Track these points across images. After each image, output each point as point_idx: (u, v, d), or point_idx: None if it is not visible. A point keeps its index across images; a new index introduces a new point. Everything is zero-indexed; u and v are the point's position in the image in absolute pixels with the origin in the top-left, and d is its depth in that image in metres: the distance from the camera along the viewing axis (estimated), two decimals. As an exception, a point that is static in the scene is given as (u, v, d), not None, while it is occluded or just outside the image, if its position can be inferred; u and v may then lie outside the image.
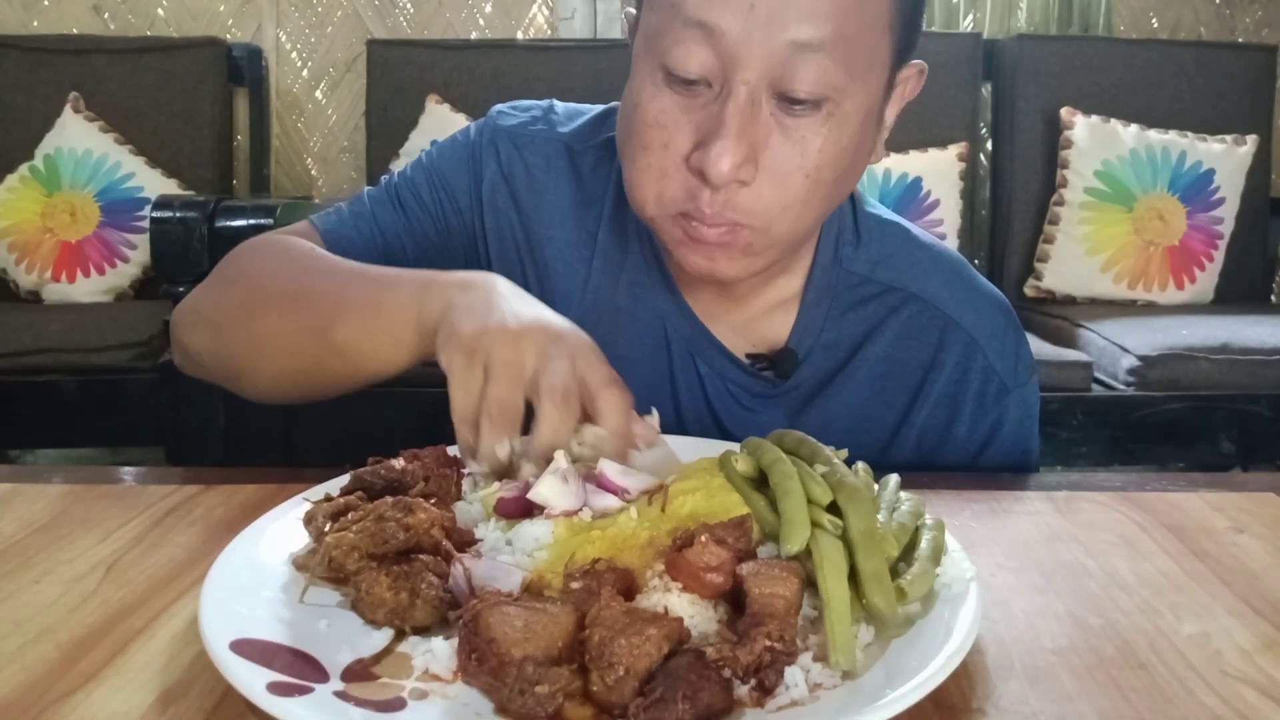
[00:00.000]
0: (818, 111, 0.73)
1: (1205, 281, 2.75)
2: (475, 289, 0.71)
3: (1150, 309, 2.68)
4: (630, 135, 0.79)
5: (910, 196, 2.69)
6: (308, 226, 0.95)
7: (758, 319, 0.92)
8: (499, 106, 0.99)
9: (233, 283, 0.87)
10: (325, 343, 0.77)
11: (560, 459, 0.66)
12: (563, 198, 0.94)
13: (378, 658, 0.52)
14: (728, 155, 0.71)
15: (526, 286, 0.94)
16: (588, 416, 0.66)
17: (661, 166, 0.76)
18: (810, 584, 0.55)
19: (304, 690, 0.48)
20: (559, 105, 0.99)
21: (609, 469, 0.69)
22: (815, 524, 0.57)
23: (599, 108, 0.98)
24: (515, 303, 0.70)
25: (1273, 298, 3.04)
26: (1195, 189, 2.74)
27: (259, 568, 0.59)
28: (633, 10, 0.83)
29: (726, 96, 0.72)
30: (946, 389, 0.91)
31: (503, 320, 0.67)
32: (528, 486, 0.65)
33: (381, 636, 0.54)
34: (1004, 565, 0.68)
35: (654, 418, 0.70)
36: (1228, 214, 2.76)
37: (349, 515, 0.61)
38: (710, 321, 0.91)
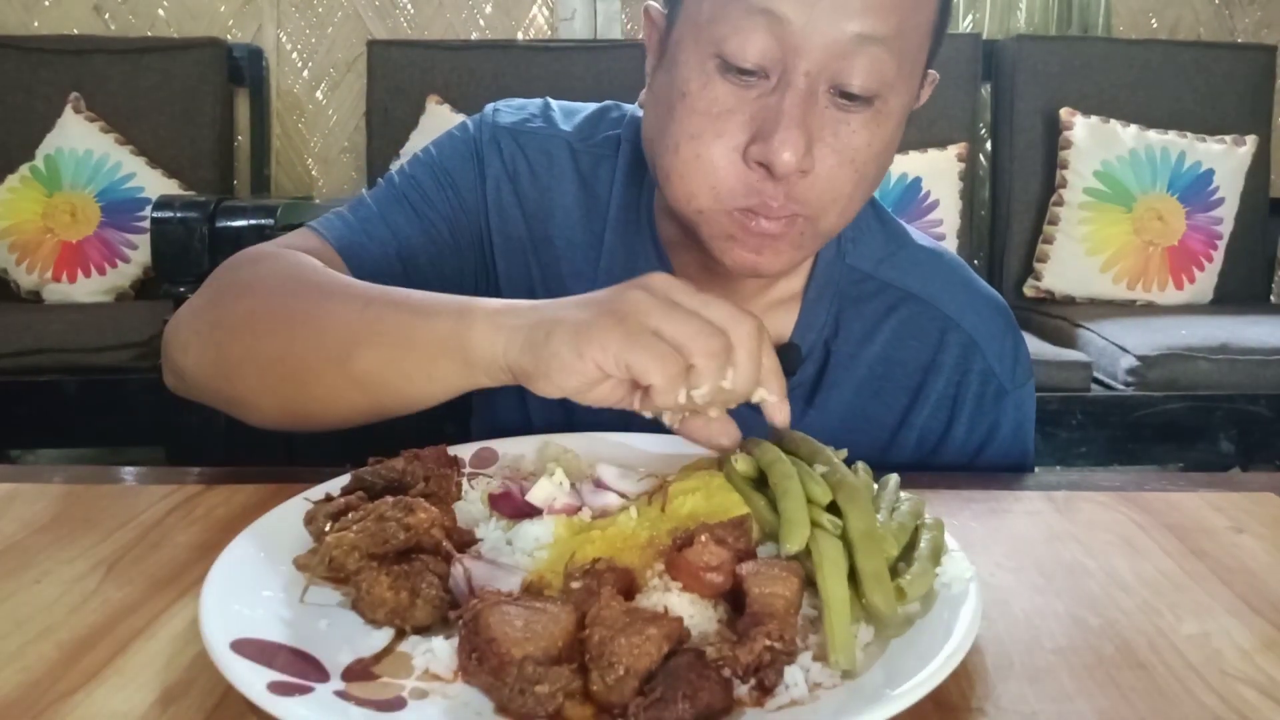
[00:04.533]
0: (869, 107, 0.73)
1: (1205, 281, 2.75)
2: (523, 309, 0.65)
3: (1150, 309, 2.69)
4: (673, 125, 0.76)
5: (910, 196, 2.69)
6: (308, 234, 0.88)
7: (760, 316, 0.91)
8: (493, 105, 0.96)
9: (234, 296, 0.79)
10: (343, 373, 0.69)
11: (560, 473, 0.66)
12: (567, 196, 0.92)
13: (378, 657, 0.52)
14: (790, 146, 0.71)
15: (533, 289, 0.92)
16: None
17: (712, 158, 0.74)
18: (810, 584, 0.55)
19: (304, 690, 0.48)
20: (555, 103, 0.97)
21: (607, 472, 0.69)
22: (815, 524, 0.57)
23: (594, 105, 0.96)
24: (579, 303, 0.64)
25: (1272, 298, 3.04)
26: (1195, 189, 2.74)
27: (259, 568, 0.59)
28: (657, 5, 0.81)
29: (785, 87, 0.72)
30: (946, 390, 0.91)
31: (606, 302, 0.62)
32: (523, 489, 0.66)
33: (382, 636, 0.54)
34: (1004, 565, 0.68)
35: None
36: (1227, 214, 2.76)
37: (349, 515, 0.61)
38: None
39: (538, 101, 0.97)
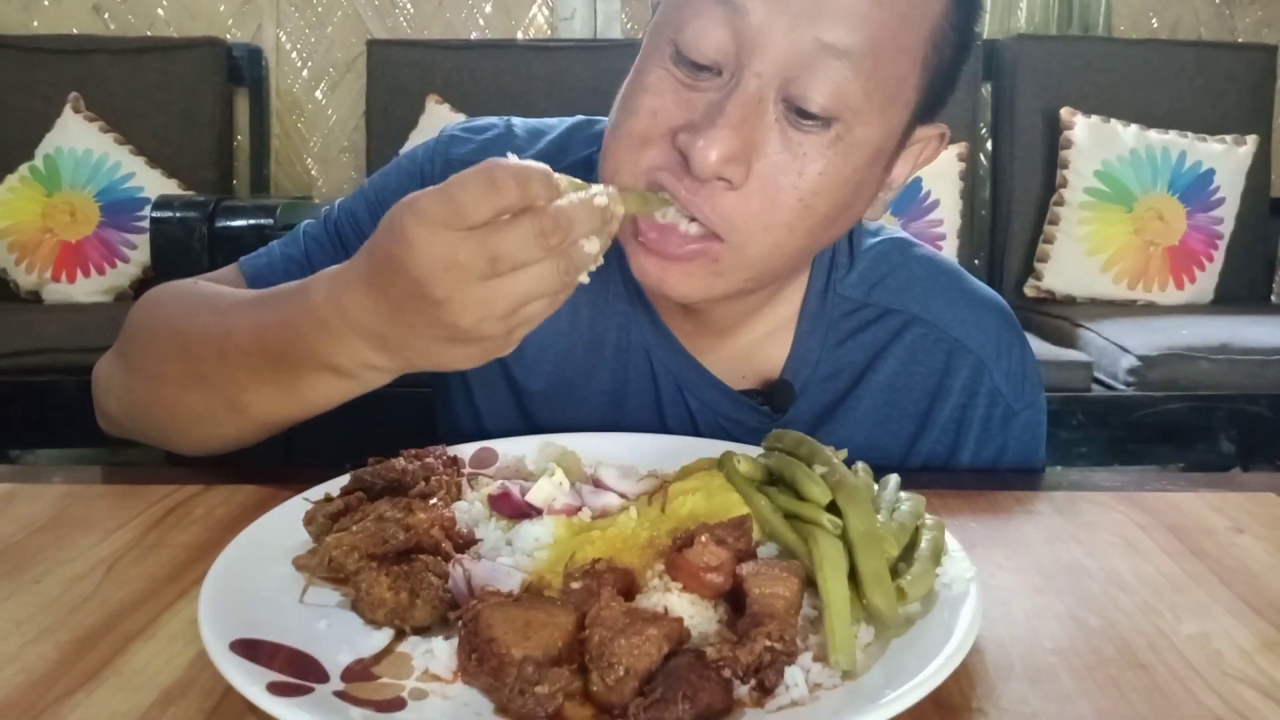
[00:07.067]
0: (826, 131, 0.67)
1: (1205, 281, 2.75)
2: (364, 333, 0.62)
3: (1150, 309, 2.69)
4: (619, 107, 0.72)
5: (910, 197, 2.69)
6: (234, 269, 0.88)
7: (749, 350, 0.87)
8: (450, 129, 0.91)
9: (138, 343, 0.81)
10: (244, 416, 0.72)
11: (560, 474, 0.67)
12: None
13: (378, 658, 0.52)
14: (717, 145, 0.65)
15: None
16: None
17: (644, 133, 0.69)
18: (810, 584, 0.55)
19: (304, 690, 0.48)
20: (518, 124, 0.92)
21: (607, 472, 0.69)
22: (815, 524, 0.57)
23: (565, 123, 0.91)
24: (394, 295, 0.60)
25: (1273, 298, 3.04)
26: (1195, 189, 2.74)
27: (259, 568, 0.59)
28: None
29: (734, 87, 0.66)
30: (953, 413, 0.87)
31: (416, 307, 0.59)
32: (523, 489, 0.66)
33: (381, 636, 0.54)
34: (1004, 565, 0.68)
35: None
36: (1227, 214, 2.76)
37: (349, 515, 0.61)
38: (699, 354, 0.86)
39: (499, 123, 0.92)
